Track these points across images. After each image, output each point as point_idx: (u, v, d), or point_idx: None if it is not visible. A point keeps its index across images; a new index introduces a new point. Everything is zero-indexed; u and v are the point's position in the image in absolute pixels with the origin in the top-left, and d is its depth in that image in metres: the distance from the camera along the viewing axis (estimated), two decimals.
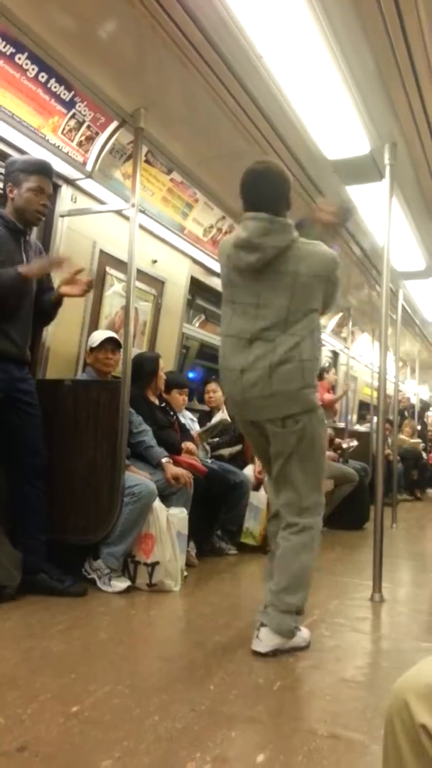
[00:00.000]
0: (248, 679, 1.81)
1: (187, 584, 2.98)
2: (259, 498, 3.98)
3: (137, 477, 2.91)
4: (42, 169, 2.63)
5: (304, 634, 2.20)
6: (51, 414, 2.83)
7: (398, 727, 0.78)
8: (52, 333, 3.24)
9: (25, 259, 2.63)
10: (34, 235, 2.83)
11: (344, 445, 5.87)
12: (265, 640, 2.07)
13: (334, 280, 2.18)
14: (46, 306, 2.78)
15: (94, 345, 3.24)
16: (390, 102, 3.05)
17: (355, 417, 8.87)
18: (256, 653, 2.06)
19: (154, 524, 2.86)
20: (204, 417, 4.41)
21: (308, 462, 2.16)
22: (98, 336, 3.28)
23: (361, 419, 8.77)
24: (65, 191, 3.28)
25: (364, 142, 3.38)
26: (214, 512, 3.79)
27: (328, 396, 6.15)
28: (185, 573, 3.03)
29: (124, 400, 2.82)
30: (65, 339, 3.41)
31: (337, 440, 5.88)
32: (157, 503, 2.90)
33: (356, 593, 3.03)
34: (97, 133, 3.16)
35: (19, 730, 1.47)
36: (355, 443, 6.11)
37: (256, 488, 4.07)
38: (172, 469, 3.14)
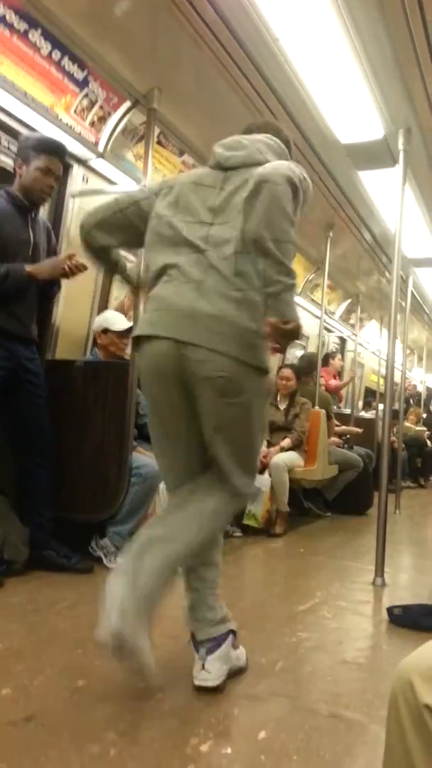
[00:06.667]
0: (250, 658, 1.83)
1: None
2: (261, 480, 4.01)
3: (144, 458, 2.93)
4: (53, 150, 2.60)
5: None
6: (60, 394, 2.85)
7: (402, 706, 0.80)
8: (61, 314, 3.25)
9: (32, 237, 2.62)
10: (45, 214, 2.82)
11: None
12: None
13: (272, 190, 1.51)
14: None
15: (116, 329, 3.18)
16: (406, 87, 3.02)
17: (361, 403, 8.88)
18: None
19: (160, 505, 2.88)
20: None
21: None
22: (118, 320, 3.24)
23: (367, 406, 8.78)
24: (77, 171, 3.27)
25: (378, 126, 3.35)
26: None
27: (333, 382, 6.16)
28: None
29: (132, 381, 2.83)
30: (75, 320, 3.41)
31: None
32: (163, 484, 2.92)
33: (358, 577, 3.06)
34: (109, 113, 3.14)
35: (26, 701, 1.50)
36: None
37: (261, 471, 4.09)
38: None
